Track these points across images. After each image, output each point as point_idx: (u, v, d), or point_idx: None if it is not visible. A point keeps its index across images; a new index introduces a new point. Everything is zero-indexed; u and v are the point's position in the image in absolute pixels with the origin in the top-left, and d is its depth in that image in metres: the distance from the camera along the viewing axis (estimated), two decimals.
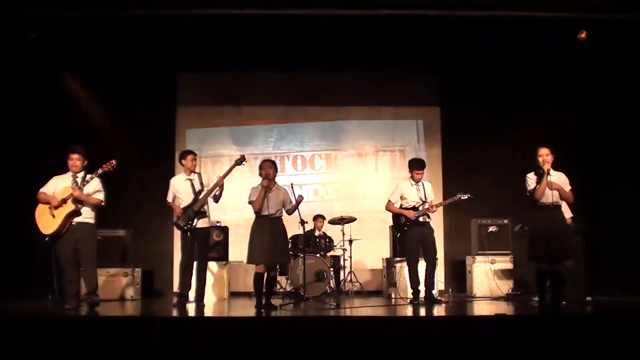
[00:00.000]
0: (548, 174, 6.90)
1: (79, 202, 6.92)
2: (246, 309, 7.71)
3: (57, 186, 7.02)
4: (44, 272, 8.79)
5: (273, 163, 7.35)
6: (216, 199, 7.70)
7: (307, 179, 10.85)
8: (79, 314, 6.58)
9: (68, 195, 6.89)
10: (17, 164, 9.32)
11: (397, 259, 9.02)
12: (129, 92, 10.10)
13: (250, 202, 7.25)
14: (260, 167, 7.28)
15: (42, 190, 7.03)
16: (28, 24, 8.47)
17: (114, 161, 6.95)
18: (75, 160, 7.04)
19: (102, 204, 7.14)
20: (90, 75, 10.02)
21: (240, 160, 7.50)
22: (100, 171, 6.93)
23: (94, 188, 7.06)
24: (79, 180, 6.98)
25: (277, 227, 7.21)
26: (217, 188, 7.55)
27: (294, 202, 7.38)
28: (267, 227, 7.13)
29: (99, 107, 10.21)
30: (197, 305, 7.56)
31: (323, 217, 9.77)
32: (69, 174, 7.07)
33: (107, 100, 10.19)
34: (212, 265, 8.90)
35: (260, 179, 7.26)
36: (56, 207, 6.86)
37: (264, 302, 7.16)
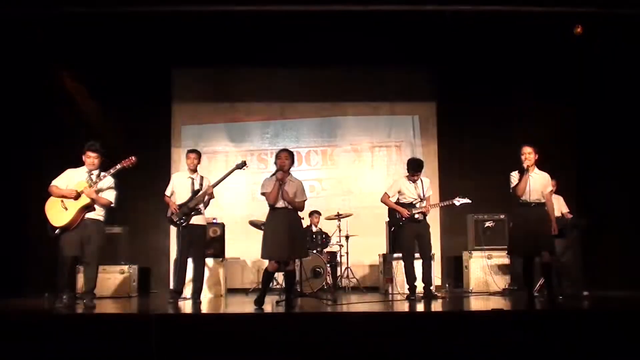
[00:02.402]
0: (528, 171, 7.04)
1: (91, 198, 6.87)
2: (243, 305, 7.70)
3: (71, 180, 6.93)
4: (40, 270, 8.81)
5: (291, 154, 7.01)
6: (205, 204, 7.72)
7: (303, 175, 10.74)
8: (74, 312, 6.55)
9: (82, 189, 6.83)
10: (11, 162, 9.28)
11: (394, 255, 9.02)
12: (123, 88, 10.07)
13: (263, 194, 7.00)
14: (277, 157, 6.96)
15: (54, 183, 6.94)
16: (23, 22, 8.43)
17: (133, 157, 6.88)
18: (93, 158, 6.96)
19: (112, 205, 7.07)
20: (85, 71, 9.97)
21: (241, 165, 7.44)
22: (119, 167, 6.85)
23: (108, 185, 7.01)
24: (93, 176, 6.92)
25: (292, 220, 6.95)
26: (207, 196, 7.60)
27: (307, 196, 7.21)
28: (282, 220, 6.87)
29: (94, 104, 10.17)
30: (194, 302, 7.55)
31: (319, 213, 9.77)
32: (84, 169, 7.00)
33: (102, 97, 10.14)
34: (209, 262, 8.88)
35: (276, 169, 6.98)
36: (75, 198, 6.81)
37: (282, 297, 7.01)
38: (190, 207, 7.58)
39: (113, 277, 8.92)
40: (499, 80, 10.19)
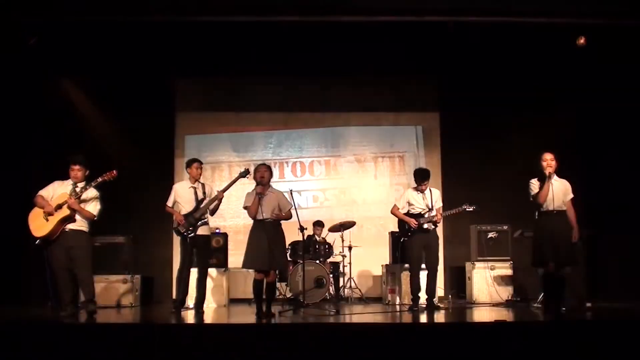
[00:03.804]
0: (550, 178, 6.95)
1: (73, 209, 6.90)
2: (246, 315, 7.69)
3: (57, 191, 6.99)
4: (43, 279, 8.81)
5: (268, 168, 7.25)
6: (212, 212, 7.74)
7: (306, 185, 10.85)
8: (77, 321, 6.55)
9: (64, 201, 6.87)
10: (15, 169, 9.30)
11: (397, 265, 9.02)
12: (127, 98, 10.12)
13: (245, 208, 7.21)
14: (256, 171, 7.18)
15: (40, 193, 7.00)
16: (27, 30, 8.47)
17: (114, 171, 6.91)
18: (76, 171, 7.00)
19: (95, 218, 7.08)
20: (89, 81, 10.04)
21: (244, 173, 7.47)
22: (100, 180, 6.89)
23: (91, 196, 7.03)
24: (78, 189, 6.96)
25: (273, 231, 7.08)
26: (216, 201, 7.62)
27: (291, 205, 7.32)
28: (263, 231, 7.03)
29: (98, 114, 10.22)
30: (197, 312, 7.55)
31: (322, 224, 9.76)
32: (70, 181, 7.06)
33: (106, 107, 10.21)
34: (212, 272, 8.89)
35: (255, 183, 7.16)
36: (55, 210, 6.84)
37: (263, 309, 7.11)
38: (197, 218, 7.59)
39: (116, 286, 8.91)
40: (502, 91, 10.19)
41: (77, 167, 7.01)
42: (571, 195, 7.19)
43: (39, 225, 6.88)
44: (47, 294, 7.96)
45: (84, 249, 6.97)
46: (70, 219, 6.89)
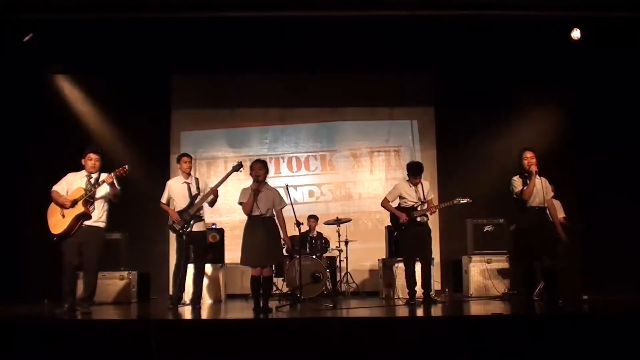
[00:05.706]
0: (534, 175, 7.09)
1: (89, 204, 6.87)
2: (243, 311, 7.71)
3: (72, 185, 6.96)
4: (40, 277, 8.81)
5: (264, 164, 7.25)
6: (211, 204, 7.74)
7: (302, 180, 10.84)
8: (73, 318, 6.55)
9: (79, 196, 6.83)
10: (10, 167, 9.28)
11: (394, 259, 9.03)
12: (123, 95, 10.08)
13: (240, 203, 7.20)
14: (251, 168, 7.21)
15: (55, 188, 6.96)
16: (21, 26, 8.44)
17: (126, 166, 6.86)
18: (94, 160, 6.99)
19: (118, 194, 7.02)
20: (84, 77, 10.02)
21: (238, 167, 7.49)
22: (113, 175, 6.83)
23: (107, 190, 7.01)
24: (92, 180, 6.92)
25: (268, 227, 7.10)
26: (211, 196, 7.61)
27: (286, 202, 7.35)
28: (258, 227, 7.06)
29: (93, 110, 10.19)
30: (194, 308, 7.55)
31: (316, 218, 9.77)
32: (84, 173, 7.02)
33: (101, 103, 10.19)
34: (208, 268, 8.88)
35: (252, 178, 7.18)
36: (71, 206, 6.80)
37: (260, 304, 7.11)
38: (191, 215, 7.58)
39: (113, 283, 8.90)
40: (498, 85, 10.20)
41: (96, 156, 6.99)
42: (552, 194, 7.39)
43: (56, 222, 6.86)
44: (43, 291, 7.98)
45: (95, 246, 6.97)
46: (86, 216, 6.87)
